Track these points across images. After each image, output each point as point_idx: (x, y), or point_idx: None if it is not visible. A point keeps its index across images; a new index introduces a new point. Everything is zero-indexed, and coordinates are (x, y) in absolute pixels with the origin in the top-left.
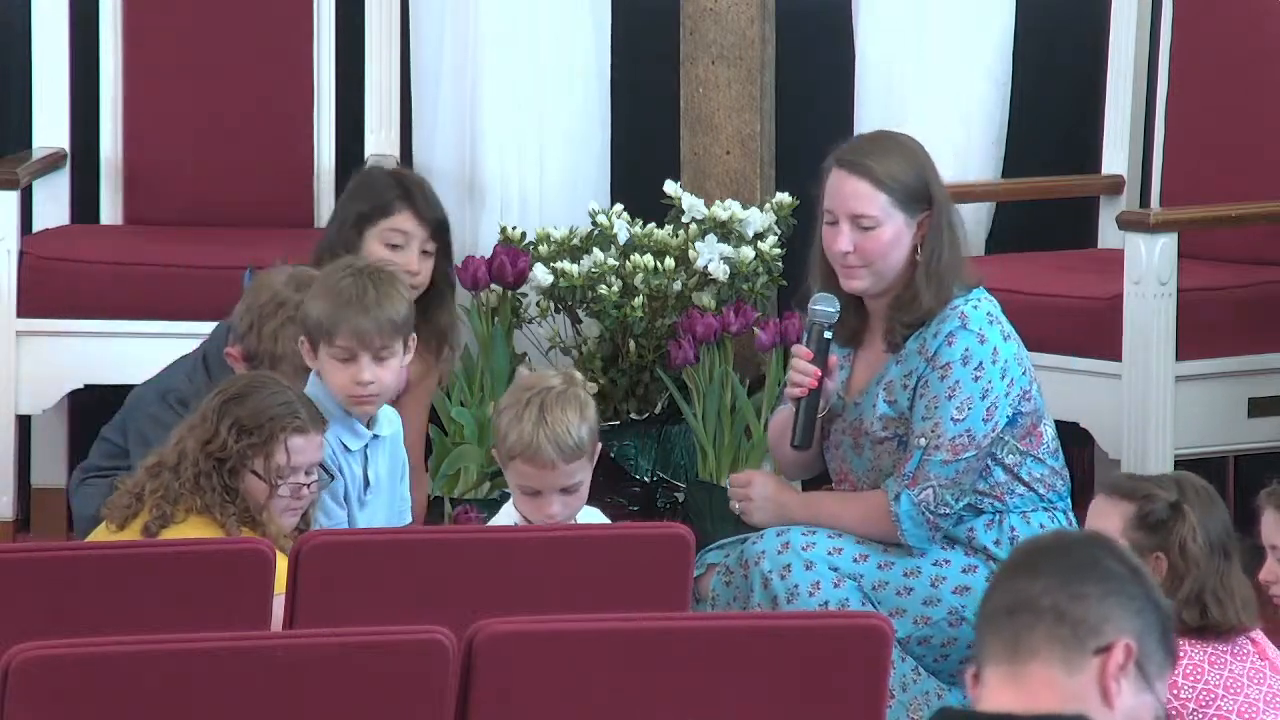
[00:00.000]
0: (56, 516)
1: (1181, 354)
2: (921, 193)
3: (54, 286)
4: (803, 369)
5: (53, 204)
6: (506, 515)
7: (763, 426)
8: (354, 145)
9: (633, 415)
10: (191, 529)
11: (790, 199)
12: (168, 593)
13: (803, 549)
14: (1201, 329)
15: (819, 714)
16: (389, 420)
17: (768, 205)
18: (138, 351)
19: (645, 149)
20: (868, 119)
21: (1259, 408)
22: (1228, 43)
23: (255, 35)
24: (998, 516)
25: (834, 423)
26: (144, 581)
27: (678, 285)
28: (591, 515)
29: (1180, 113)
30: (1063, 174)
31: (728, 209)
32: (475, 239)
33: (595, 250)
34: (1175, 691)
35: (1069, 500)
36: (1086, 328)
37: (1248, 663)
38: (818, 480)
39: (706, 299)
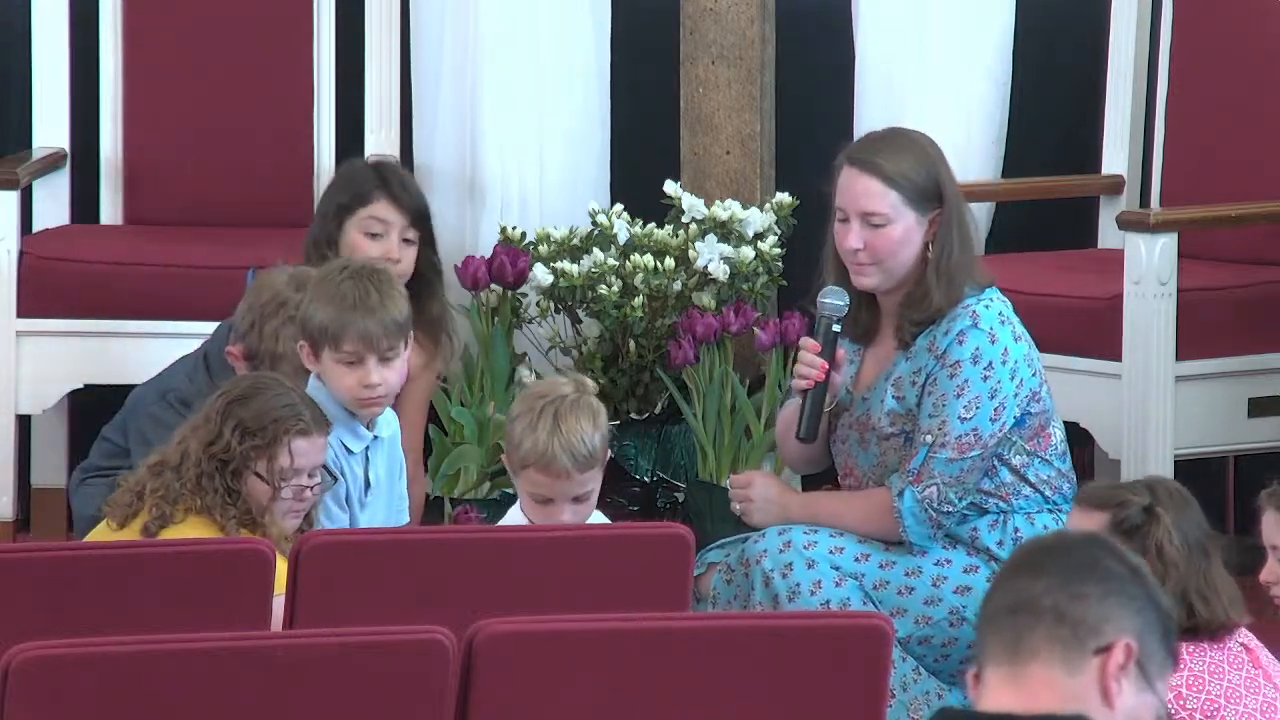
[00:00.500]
0: (56, 516)
1: (1181, 354)
2: (932, 191)
3: (54, 286)
4: (810, 361)
5: (53, 204)
6: (513, 519)
7: (763, 426)
8: (354, 145)
9: (633, 415)
10: (190, 529)
11: (790, 199)
12: (168, 593)
13: (804, 548)
14: (1201, 329)
15: (819, 714)
16: (387, 422)
17: (768, 205)
18: (138, 351)
19: (645, 149)
20: (868, 119)
21: (1259, 408)
22: (1228, 43)
23: (255, 35)
24: (1002, 517)
25: (841, 417)
26: (144, 581)
27: (678, 285)
28: (592, 516)
29: (1180, 113)
30: (1063, 174)
31: (728, 209)
32: (475, 239)
33: (595, 250)
34: (1181, 702)
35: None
36: (1086, 328)
37: (1243, 671)
38: (821, 477)
39: (706, 299)
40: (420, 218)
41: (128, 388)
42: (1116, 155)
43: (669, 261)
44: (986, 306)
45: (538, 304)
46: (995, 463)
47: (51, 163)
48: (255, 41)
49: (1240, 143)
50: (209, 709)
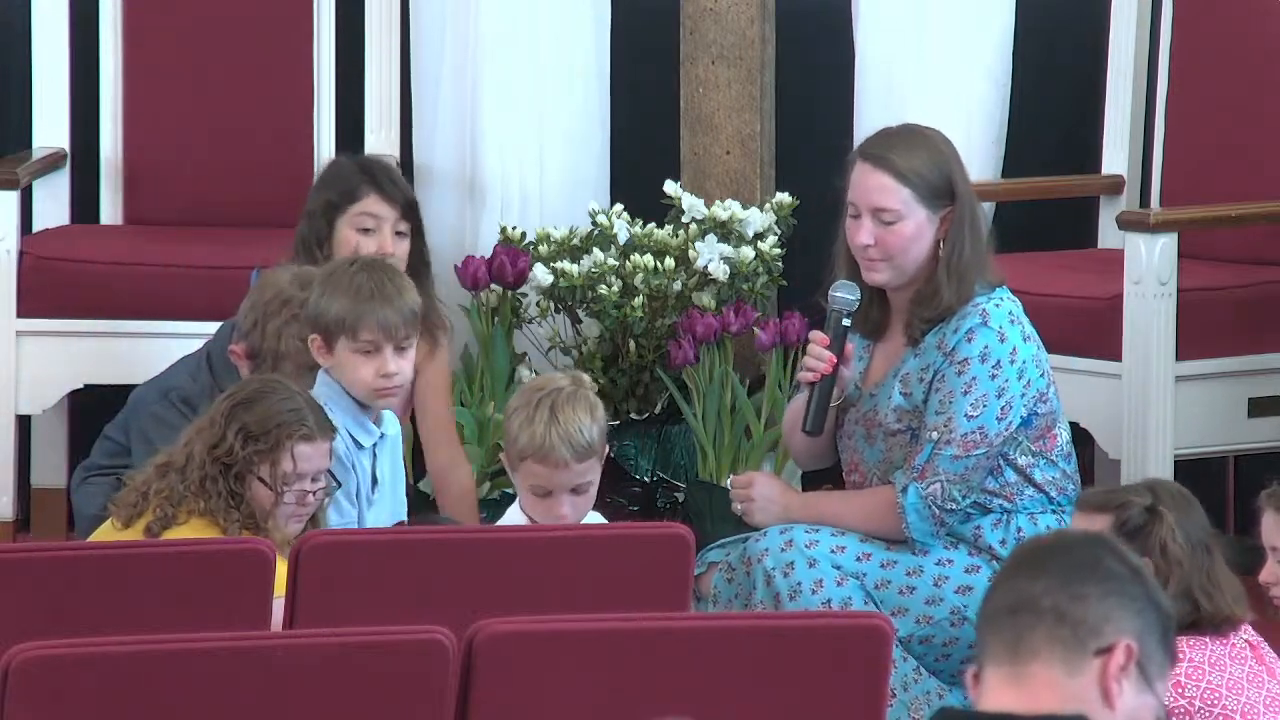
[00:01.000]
0: (56, 516)
1: (1181, 354)
2: (944, 188)
3: (54, 286)
4: (818, 354)
5: (53, 204)
6: (513, 519)
7: (763, 426)
8: (354, 145)
9: (633, 415)
10: (193, 531)
11: (790, 199)
12: (168, 593)
13: (806, 546)
14: (1201, 329)
15: (819, 714)
16: (391, 421)
17: (768, 205)
18: (138, 351)
19: (645, 149)
20: (868, 119)
21: (1259, 408)
22: (1228, 43)
23: (255, 35)
24: (1005, 516)
25: (848, 412)
26: (144, 581)
27: (678, 285)
28: (590, 516)
29: (1180, 113)
30: (1063, 174)
31: (728, 209)
32: (475, 239)
33: (595, 250)
34: (1180, 690)
35: None
36: (1086, 328)
37: (1246, 666)
38: (822, 476)
39: (706, 299)
40: (410, 209)
41: (128, 388)
42: (1116, 155)
43: (669, 261)
44: (997, 305)
45: (538, 304)
46: (1000, 462)
47: (51, 163)
48: (255, 41)
49: (1240, 143)
50: (209, 709)
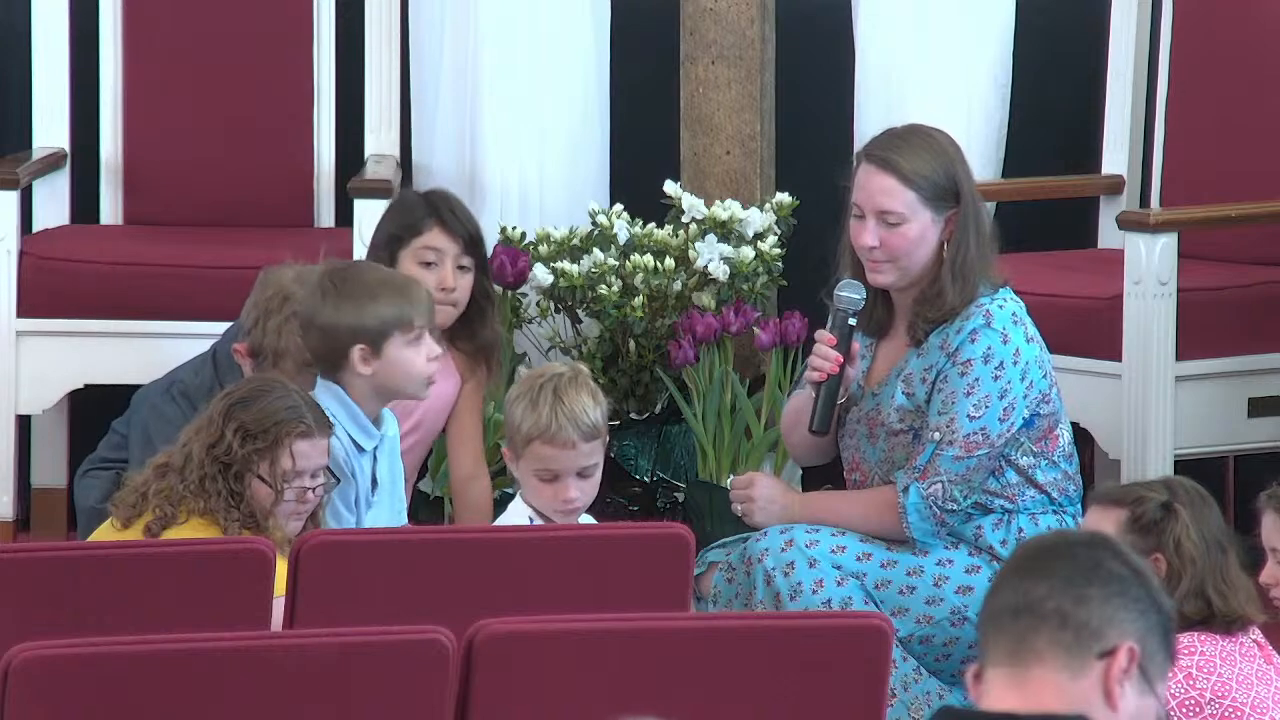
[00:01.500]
0: (56, 516)
1: (1181, 354)
2: (950, 190)
3: (54, 286)
4: (824, 354)
5: (53, 204)
6: (516, 513)
7: (763, 426)
8: (354, 145)
9: (633, 415)
10: (193, 531)
11: (790, 199)
12: (168, 593)
13: (806, 546)
14: (1201, 329)
15: (819, 714)
16: (390, 421)
17: (768, 205)
18: (138, 351)
19: (645, 149)
20: (868, 119)
21: (1259, 408)
22: (1228, 43)
23: (255, 36)
24: (1006, 516)
25: (850, 411)
26: (144, 581)
27: (678, 285)
28: (582, 517)
29: (1180, 113)
30: (1063, 174)
31: (728, 209)
32: None
33: (595, 250)
34: (1191, 681)
35: (1080, 505)
36: (1086, 328)
37: (1255, 663)
38: (821, 476)
39: (706, 299)
40: (473, 244)
41: (128, 388)
42: (1116, 155)
43: (669, 261)
44: (1000, 306)
45: (538, 304)
46: (1002, 463)
47: (51, 163)
48: (255, 42)
49: (1240, 143)
50: (209, 709)
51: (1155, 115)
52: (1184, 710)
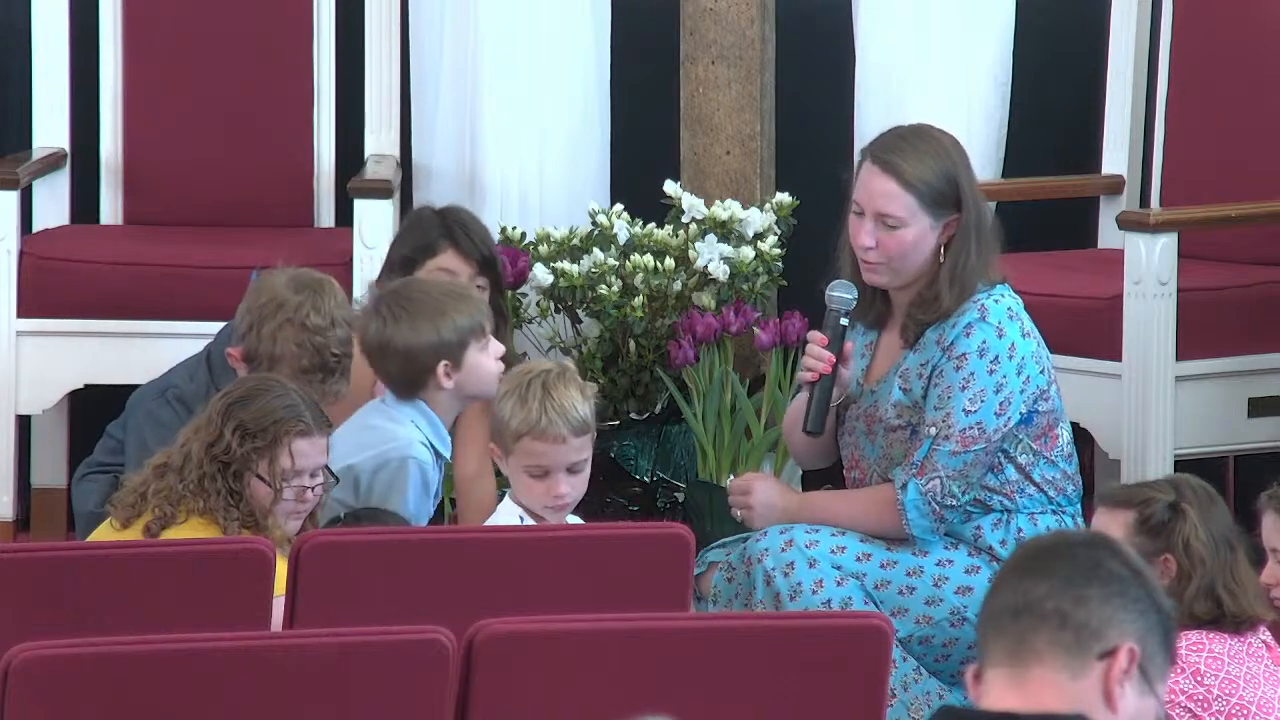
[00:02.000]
0: (56, 516)
1: (1181, 354)
2: (950, 196)
3: (54, 286)
4: (816, 354)
5: (53, 204)
6: (506, 513)
7: (763, 426)
8: (354, 145)
9: (633, 415)
10: (192, 531)
11: (790, 199)
12: (168, 593)
13: (806, 546)
14: (1201, 329)
15: (819, 714)
16: None
17: (768, 205)
18: (138, 351)
19: (645, 149)
20: (868, 119)
21: (1259, 408)
22: (1228, 43)
23: (255, 35)
24: (1006, 516)
25: (849, 409)
26: (144, 581)
27: (678, 285)
28: (569, 518)
29: (1180, 113)
30: (1063, 174)
31: (728, 209)
32: None
33: (595, 250)
34: (1199, 678)
35: (1079, 506)
36: (1086, 328)
37: (1262, 664)
38: (821, 476)
39: (706, 299)
40: (488, 264)
41: (128, 388)
42: (1116, 155)
43: (669, 261)
44: (996, 301)
45: (538, 304)
46: (1001, 459)
47: (51, 163)
48: (255, 42)
49: (1240, 143)
50: (209, 709)
51: (1155, 115)
52: (1195, 704)
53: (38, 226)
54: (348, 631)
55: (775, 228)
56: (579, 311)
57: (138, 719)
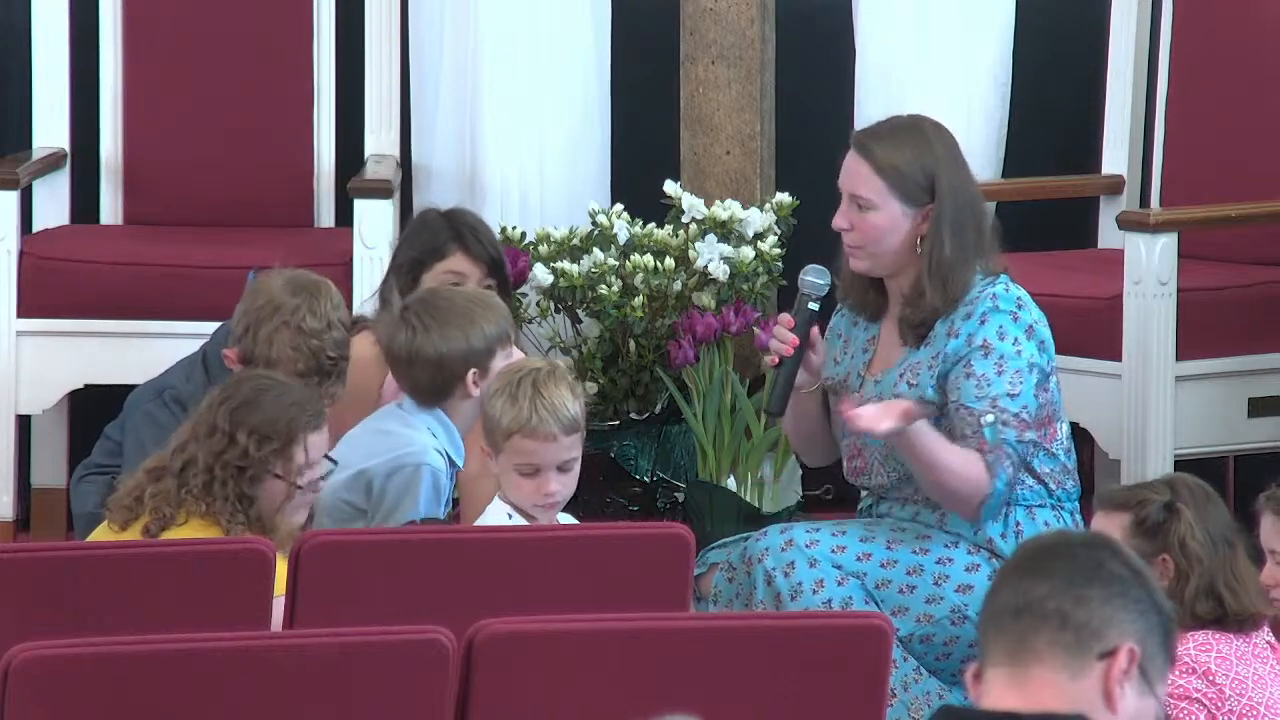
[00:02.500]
0: (56, 516)
1: (1181, 354)
2: (922, 186)
3: (54, 286)
4: (781, 335)
5: (53, 204)
6: (496, 513)
7: (763, 426)
8: (354, 145)
9: (633, 415)
10: (191, 531)
11: (790, 199)
12: (168, 593)
13: (806, 546)
14: (1201, 329)
15: (819, 714)
16: None
17: (768, 205)
18: (138, 351)
19: (645, 149)
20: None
21: (1259, 408)
22: (1228, 43)
23: (255, 35)
24: (1004, 509)
25: (850, 400)
26: (144, 581)
27: (678, 285)
28: (561, 518)
29: (1180, 113)
30: (1063, 174)
31: (728, 209)
32: None
33: (595, 250)
34: (1209, 677)
35: (1077, 502)
36: (1086, 328)
37: (1268, 664)
38: (821, 478)
39: (706, 299)
40: (495, 267)
41: (128, 388)
42: (1116, 155)
43: (669, 261)
44: (1005, 289)
45: (538, 304)
46: None
47: (51, 163)
48: (255, 42)
49: (1240, 143)
50: (209, 709)
51: (1155, 115)
52: (1210, 703)
53: (38, 226)
54: (348, 631)
55: (775, 228)
56: (579, 311)
57: (137, 719)
